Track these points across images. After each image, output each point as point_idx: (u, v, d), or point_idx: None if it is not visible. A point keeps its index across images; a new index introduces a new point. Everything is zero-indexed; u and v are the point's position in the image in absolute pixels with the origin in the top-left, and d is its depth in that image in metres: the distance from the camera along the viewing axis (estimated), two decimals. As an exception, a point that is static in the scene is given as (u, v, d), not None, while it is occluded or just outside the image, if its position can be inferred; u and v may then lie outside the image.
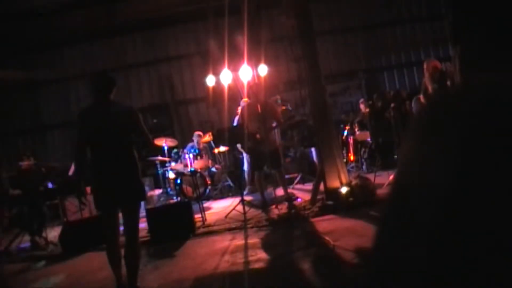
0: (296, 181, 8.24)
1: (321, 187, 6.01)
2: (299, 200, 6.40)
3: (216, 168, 9.03)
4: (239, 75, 7.75)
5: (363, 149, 8.61)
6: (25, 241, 6.27)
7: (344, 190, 5.65)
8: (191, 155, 8.09)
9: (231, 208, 6.28)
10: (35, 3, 9.32)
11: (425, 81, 5.87)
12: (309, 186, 7.12)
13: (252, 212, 6.17)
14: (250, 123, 6.29)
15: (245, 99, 7.25)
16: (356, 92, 10.84)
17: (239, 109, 7.56)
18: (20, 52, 11.12)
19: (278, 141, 6.96)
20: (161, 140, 8.34)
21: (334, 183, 5.77)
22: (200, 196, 7.34)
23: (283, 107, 8.50)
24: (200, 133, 9.00)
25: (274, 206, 6.18)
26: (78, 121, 3.55)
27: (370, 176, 6.46)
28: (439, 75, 5.58)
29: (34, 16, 9.76)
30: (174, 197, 8.00)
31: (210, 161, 8.85)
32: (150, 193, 8.94)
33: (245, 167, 8.03)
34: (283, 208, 6.06)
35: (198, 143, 8.78)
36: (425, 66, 5.92)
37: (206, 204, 7.59)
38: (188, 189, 7.87)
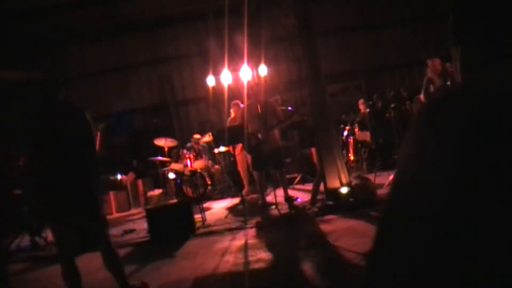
0: (296, 181, 8.24)
1: (321, 187, 6.01)
2: (299, 200, 6.40)
3: (215, 169, 8.97)
4: (239, 75, 7.75)
5: (363, 149, 8.61)
6: (25, 241, 6.26)
7: (344, 190, 5.65)
8: (191, 156, 8.08)
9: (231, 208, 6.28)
10: (35, 3, 9.32)
11: (427, 80, 5.87)
12: (309, 186, 7.11)
13: (252, 212, 6.17)
14: (250, 123, 6.29)
15: (237, 102, 7.39)
16: (356, 92, 10.82)
17: (231, 111, 7.61)
18: (20, 52, 11.12)
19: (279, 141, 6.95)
20: (161, 140, 8.33)
21: (334, 183, 5.77)
22: (200, 196, 7.33)
23: (283, 108, 8.48)
24: (198, 136, 8.92)
25: (274, 207, 6.18)
26: (22, 129, 3.35)
27: (370, 176, 6.46)
28: (442, 74, 5.58)
29: (34, 16, 9.76)
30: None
31: (209, 161, 8.83)
32: (150, 193, 8.95)
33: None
34: (283, 208, 6.06)
35: (192, 147, 8.63)
36: (428, 65, 5.91)
37: (206, 204, 7.59)
38: (188, 190, 7.86)
